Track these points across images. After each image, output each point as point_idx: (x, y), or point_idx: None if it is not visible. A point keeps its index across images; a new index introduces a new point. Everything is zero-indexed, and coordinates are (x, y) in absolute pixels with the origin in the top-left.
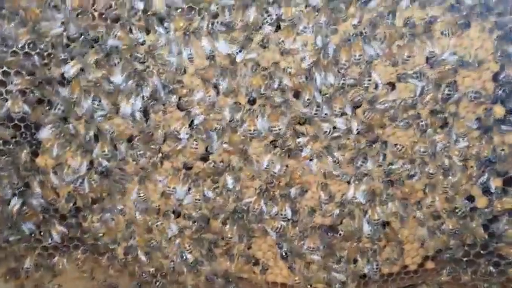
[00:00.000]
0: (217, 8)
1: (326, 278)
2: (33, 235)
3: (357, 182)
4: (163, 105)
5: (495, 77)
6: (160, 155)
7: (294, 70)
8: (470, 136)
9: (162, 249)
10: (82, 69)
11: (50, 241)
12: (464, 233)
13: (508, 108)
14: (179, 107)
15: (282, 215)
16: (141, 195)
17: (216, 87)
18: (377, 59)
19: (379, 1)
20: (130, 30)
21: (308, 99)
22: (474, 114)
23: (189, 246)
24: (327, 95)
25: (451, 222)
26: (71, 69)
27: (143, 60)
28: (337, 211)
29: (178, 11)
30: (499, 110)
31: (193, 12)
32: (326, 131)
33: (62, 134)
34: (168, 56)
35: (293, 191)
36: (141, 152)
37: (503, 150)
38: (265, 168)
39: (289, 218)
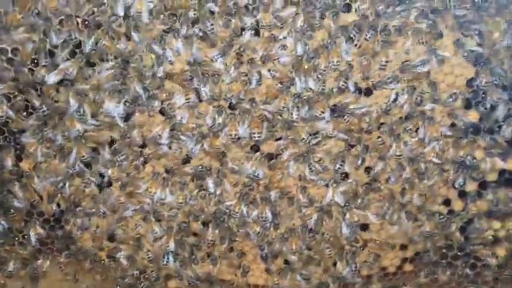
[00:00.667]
0: (194, 14)
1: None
2: (16, 238)
3: (335, 185)
4: (146, 109)
5: (469, 83)
6: (142, 159)
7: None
8: (445, 140)
9: (145, 253)
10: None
11: (32, 244)
12: (441, 236)
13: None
14: (162, 112)
15: (262, 218)
16: (121, 199)
17: (197, 92)
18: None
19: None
20: (112, 37)
21: (284, 107)
22: (449, 119)
23: (171, 249)
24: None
25: (429, 225)
26: (53, 77)
27: (123, 67)
28: (316, 215)
29: (160, 16)
30: (473, 115)
31: (174, 18)
32: (304, 138)
33: (44, 139)
34: (147, 60)
35: (273, 194)
36: (123, 156)
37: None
38: (249, 174)
39: (270, 220)
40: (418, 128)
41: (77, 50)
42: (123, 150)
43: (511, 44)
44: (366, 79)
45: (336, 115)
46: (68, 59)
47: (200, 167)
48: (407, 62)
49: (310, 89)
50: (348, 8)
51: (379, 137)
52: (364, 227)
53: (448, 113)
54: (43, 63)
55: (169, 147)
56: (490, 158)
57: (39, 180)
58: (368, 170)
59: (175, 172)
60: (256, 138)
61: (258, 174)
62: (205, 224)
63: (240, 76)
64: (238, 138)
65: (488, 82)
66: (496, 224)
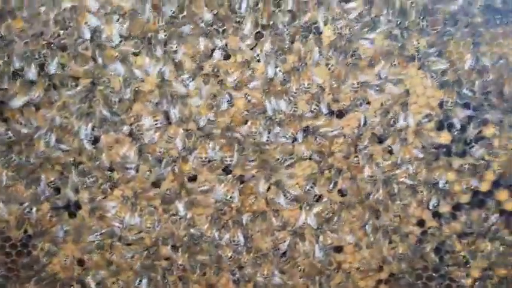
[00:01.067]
0: (165, 36)
1: None
2: None
3: (307, 208)
4: (114, 132)
5: (441, 105)
6: (109, 183)
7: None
8: (418, 162)
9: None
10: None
11: None
12: (416, 258)
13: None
14: (131, 135)
15: (234, 241)
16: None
17: (166, 114)
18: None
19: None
20: (78, 60)
21: (255, 131)
22: (421, 141)
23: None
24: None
25: (403, 246)
26: (17, 101)
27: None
28: (289, 238)
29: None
30: (445, 136)
31: (139, 41)
32: (278, 159)
33: (9, 164)
34: (115, 83)
35: (245, 218)
36: (92, 179)
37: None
38: (221, 197)
39: (242, 244)
40: (391, 150)
41: (42, 73)
42: (92, 174)
43: (475, 65)
44: (337, 101)
45: (308, 137)
46: (33, 82)
47: (168, 191)
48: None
49: (282, 111)
50: (317, 31)
51: (354, 157)
52: (339, 249)
53: (421, 135)
54: (6, 87)
55: (137, 171)
56: (462, 179)
57: (4, 205)
58: (341, 191)
59: (142, 196)
60: (228, 162)
61: (230, 197)
62: (175, 247)
63: (210, 98)
64: (209, 161)
65: (452, 103)
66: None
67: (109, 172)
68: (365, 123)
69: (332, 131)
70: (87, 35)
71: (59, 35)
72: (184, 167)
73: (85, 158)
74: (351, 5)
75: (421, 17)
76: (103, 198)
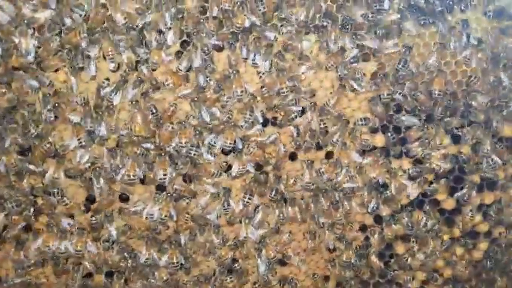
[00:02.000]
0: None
1: None
2: None
3: (247, 221)
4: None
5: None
6: (32, 209)
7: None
8: (355, 165)
9: None
10: None
11: None
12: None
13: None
14: (55, 155)
15: (173, 264)
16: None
17: (90, 133)
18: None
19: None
20: None
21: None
22: (358, 144)
23: None
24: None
25: (347, 253)
26: None
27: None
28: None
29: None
30: (379, 139)
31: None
32: (214, 173)
33: None
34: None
35: (183, 238)
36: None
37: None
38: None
39: (182, 264)
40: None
41: None
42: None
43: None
44: (271, 109)
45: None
46: None
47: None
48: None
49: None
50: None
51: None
52: (282, 262)
53: (357, 139)
54: None
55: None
56: (400, 181)
57: None
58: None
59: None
60: (162, 180)
61: (165, 216)
62: (109, 274)
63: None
64: (139, 180)
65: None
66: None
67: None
68: (298, 134)
69: (266, 140)
70: None
71: None
72: (114, 187)
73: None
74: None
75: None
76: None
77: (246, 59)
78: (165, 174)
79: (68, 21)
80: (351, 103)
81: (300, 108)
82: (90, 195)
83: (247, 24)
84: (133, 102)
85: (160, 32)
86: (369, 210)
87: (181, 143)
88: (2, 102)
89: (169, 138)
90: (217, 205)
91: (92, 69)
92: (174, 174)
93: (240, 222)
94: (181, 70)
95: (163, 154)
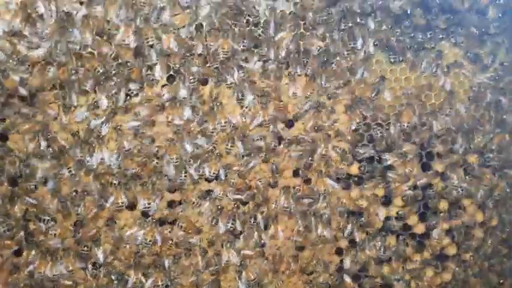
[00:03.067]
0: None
1: None
2: None
3: (228, 245)
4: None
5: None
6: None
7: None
8: (333, 191)
9: None
10: None
11: None
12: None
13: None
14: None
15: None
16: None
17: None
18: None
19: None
20: None
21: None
22: (334, 171)
23: None
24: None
25: (324, 275)
26: None
27: None
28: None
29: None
30: (353, 169)
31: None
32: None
33: None
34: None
35: (167, 262)
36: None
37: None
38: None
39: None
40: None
41: None
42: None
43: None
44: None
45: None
46: None
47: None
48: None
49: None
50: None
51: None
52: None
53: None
54: None
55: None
56: (374, 206)
57: None
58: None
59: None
60: (147, 208)
61: (150, 241)
62: None
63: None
64: (127, 207)
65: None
66: (386, 269)
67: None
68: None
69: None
70: None
71: None
72: (102, 213)
73: None
74: None
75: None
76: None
77: None
78: (149, 203)
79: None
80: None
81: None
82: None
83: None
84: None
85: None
86: (345, 235)
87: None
88: None
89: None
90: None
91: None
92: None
93: (222, 246)
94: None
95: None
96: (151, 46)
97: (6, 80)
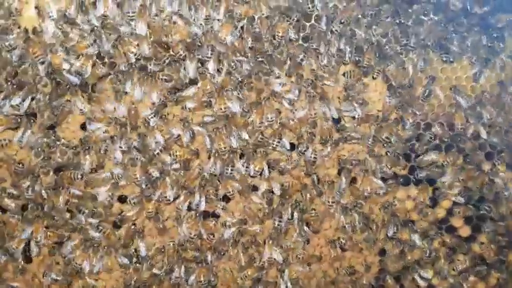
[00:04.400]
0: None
1: None
2: None
3: (270, 242)
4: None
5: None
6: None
7: None
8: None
9: None
10: None
11: None
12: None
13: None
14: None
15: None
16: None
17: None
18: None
19: None
20: None
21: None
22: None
23: None
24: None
25: (366, 277)
26: None
27: None
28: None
29: None
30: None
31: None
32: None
33: None
34: None
35: (209, 256)
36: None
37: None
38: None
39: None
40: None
41: None
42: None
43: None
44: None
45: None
46: None
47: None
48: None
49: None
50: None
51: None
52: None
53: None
54: None
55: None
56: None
57: None
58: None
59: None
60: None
61: (194, 235)
62: None
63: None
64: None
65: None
66: (429, 272)
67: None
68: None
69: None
70: None
71: None
72: (148, 206)
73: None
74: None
75: None
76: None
77: None
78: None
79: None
80: None
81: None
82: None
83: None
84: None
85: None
86: (389, 235)
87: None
88: None
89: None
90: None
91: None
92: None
93: (264, 243)
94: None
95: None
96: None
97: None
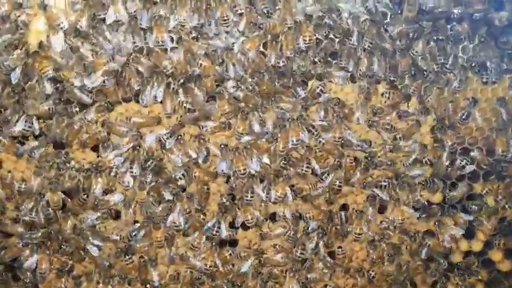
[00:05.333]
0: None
1: None
2: None
3: (291, 274)
4: None
5: None
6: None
7: None
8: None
9: None
10: None
11: None
12: None
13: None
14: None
15: None
16: None
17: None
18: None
19: None
20: None
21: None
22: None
23: None
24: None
25: None
26: None
27: None
28: None
29: None
30: (437, 197)
31: None
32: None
33: None
34: None
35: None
36: None
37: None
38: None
39: None
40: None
41: None
42: None
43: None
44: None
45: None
46: None
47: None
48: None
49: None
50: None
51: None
52: None
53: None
54: None
55: None
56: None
57: None
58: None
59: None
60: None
61: (210, 266)
62: None
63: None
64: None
65: None
66: None
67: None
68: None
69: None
70: None
71: None
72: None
73: None
74: None
75: None
76: None
77: None
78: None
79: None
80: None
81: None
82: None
83: None
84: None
85: None
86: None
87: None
88: None
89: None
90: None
91: None
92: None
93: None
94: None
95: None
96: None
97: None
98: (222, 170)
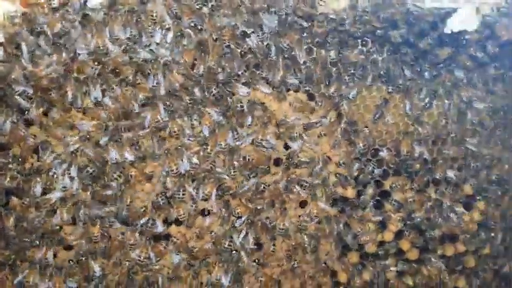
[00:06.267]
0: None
1: None
2: None
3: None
4: None
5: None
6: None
7: None
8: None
9: None
10: None
11: None
12: None
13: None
14: None
15: None
16: None
17: None
18: None
19: None
20: None
21: None
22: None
23: None
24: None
25: None
26: None
27: None
28: None
29: None
30: (349, 192)
31: None
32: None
33: None
34: None
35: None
36: None
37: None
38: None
39: None
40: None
41: None
42: None
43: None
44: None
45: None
46: None
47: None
48: None
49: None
50: None
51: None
52: None
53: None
54: None
55: None
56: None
57: None
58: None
59: None
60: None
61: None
62: None
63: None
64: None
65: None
66: None
67: None
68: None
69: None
70: None
71: None
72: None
73: None
74: None
75: None
76: None
77: None
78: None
79: None
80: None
81: None
82: None
83: None
84: None
85: None
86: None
87: None
88: None
89: None
90: None
91: None
92: None
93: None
94: None
95: None
96: None
97: None
98: None
